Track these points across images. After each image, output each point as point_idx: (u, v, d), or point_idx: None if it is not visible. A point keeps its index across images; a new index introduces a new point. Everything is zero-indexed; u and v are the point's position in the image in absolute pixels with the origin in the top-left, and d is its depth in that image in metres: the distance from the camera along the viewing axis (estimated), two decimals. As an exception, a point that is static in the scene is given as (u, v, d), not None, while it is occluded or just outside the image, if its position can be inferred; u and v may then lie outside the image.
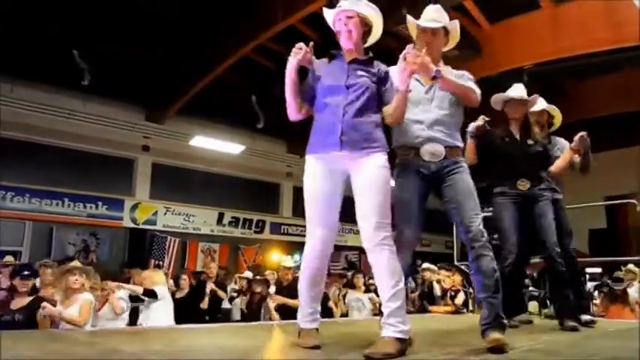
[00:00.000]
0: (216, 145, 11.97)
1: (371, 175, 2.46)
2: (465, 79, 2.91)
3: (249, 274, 7.88)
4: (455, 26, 2.95)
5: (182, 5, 8.61)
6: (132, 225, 11.67)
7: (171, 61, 9.96)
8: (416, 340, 2.44)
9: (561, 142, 4.45)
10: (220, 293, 7.08)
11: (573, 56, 8.84)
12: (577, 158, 4.21)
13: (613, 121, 12.47)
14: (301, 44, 2.58)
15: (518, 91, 4.01)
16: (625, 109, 11.40)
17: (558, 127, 4.52)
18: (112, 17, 8.57)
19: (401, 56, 2.50)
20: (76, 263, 5.36)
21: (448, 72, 2.82)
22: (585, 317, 3.92)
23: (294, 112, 2.66)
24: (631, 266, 7.18)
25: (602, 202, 12.15)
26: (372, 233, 2.40)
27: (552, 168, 4.14)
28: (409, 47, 2.55)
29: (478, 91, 2.86)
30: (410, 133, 2.77)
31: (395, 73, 2.63)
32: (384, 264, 2.39)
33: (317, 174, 2.56)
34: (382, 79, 2.64)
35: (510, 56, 8.97)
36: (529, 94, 4.01)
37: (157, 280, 6.15)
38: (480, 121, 3.68)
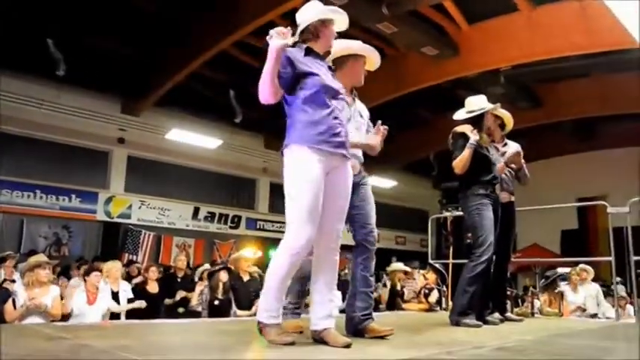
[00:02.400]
0: (192, 139, 11.80)
1: (347, 182, 2.67)
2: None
3: (207, 265, 7.61)
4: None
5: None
6: (106, 218, 11.48)
7: (149, 52, 9.82)
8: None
9: (513, 145, 4.62)
10: (190, 296, 6.89)
11: (547, 59, 9.01)
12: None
13: (584, 124, 12.75)
14: (281, 28, 2.51)
15: (485, 101, 4.12)
16: (595, 113, 11.66)
17: (511, 128, 4.63)
18: (89, 7, 8.41)
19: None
20: (41, 257, 5.29)
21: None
22: (496, 315, 4.11)
23: (271, 95, 2.56)
24: (583, 266, 7.32)
25: (574, 204, 12.40)
26: (340, 236, 2.63)
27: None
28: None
29: None
30: None
31: None
32: (337, 263, 2.64)
33: (317, 167, 2.50)
34: None
35: (487, 57, 9.08)
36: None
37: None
38: (477, 135, 3.92)
